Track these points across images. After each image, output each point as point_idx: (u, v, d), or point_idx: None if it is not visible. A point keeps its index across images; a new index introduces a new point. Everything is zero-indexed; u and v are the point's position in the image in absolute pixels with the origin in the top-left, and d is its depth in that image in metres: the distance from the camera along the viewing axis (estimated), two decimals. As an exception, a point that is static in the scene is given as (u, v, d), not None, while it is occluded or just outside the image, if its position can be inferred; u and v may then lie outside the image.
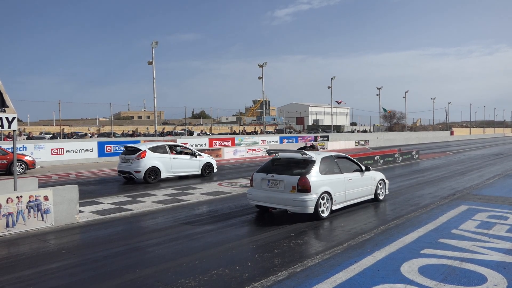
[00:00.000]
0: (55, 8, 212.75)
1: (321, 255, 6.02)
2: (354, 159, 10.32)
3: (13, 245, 6.79)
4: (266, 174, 8.84)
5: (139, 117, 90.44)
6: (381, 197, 10.69)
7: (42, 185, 12.46)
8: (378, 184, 10.58)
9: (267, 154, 9.78)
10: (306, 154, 8.93)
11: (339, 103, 54.65)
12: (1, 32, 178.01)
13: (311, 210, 8.23)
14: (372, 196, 10.45)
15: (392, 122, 78.73)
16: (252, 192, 9.03)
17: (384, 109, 66.86)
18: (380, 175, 10.79)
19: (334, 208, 8.87)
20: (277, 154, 9.58)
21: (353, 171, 9.71)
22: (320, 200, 8.38)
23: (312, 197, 8.19)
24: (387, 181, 11.11)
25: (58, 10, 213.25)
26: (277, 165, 9.17)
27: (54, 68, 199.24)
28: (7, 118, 7.85)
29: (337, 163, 9.35)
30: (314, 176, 8.40)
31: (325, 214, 8.52)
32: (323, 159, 8.96)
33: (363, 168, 10.05)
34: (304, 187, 8.15)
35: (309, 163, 8.67)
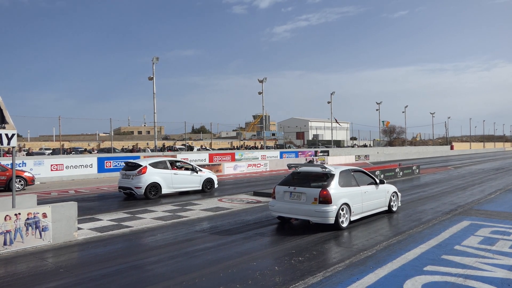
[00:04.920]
0: (55, 24, 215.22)
1: (322, 273, 5.93)
2: (369, 173, 10.62)
3: (10, 264, 6.69)
4: (288, 187, 9.25)
5: (139, 132, 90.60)
6: (394, 209, 11.07)
7: (41, 201, 12.39)
8: (391, 197, 10.97)
9: (287, 168, 10.28)
10: (325, 168, 9.35)
11: (337, 122, 54.49)
12: (1, 48, 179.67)
13: (332, 220, 8.59)
14: (386, 208, 10.81)
15: (392, 136, 78.83)
16: (274, 204, 9.41)
17: (383, 122, 67.02)
18: (393, 188, 11.18)
19: (352, 219, 9.23)
20: (297, 168, 9.96)
21: (368, 184, 10.09)
22: (340, 211, 8.77)
23: (332, 209, 8.57)
24: (399, 194, 11.52)
25: (58, 26, 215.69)
26: (297, 178, 9.54)
27: (55, 84, 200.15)
28: (6, 135, 7.84)
29: (354, 176, 9.76)
30: (334, 188, 8.80)
31: (344, 225, 8.91)
32: (341, 172, 9.36)
33: (378, 181, 10.44)
34: (326, 199, 8.55)
35: (329, 176, 9.09)
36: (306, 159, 38.86)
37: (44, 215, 7.78)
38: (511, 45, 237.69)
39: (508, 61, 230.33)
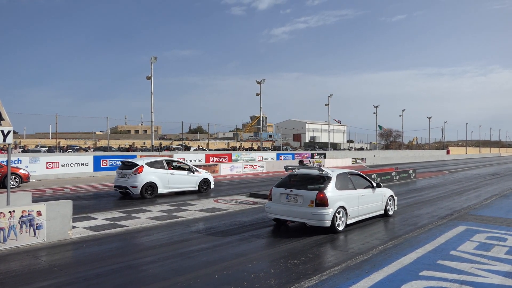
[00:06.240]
0: (53, 22, 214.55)
1: (318, 276, 5.91)
2: (366, 176, 10.63)
3: (3, 262, 6.63)
4: (284, 189, 9.23)
5: (136, 132, 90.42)
6: (390, 213, 11.07)
7: (35, 199, 12.31)
8: (388, 200, 10.96)
9: (284, 170, 10.26)
10: (322, 171, 9.34)
11: (338, 122, 54.88)
12: None
13: (328, 223, 8.58)
14: (382, 212, 10.80)
15: (389, 140, 79.00)
16: (271, 206, 9.38)
17: (380, 127, 67.20)
18: (389, 192, 11.18)
19: (348, 222, 9.22)
20: (294, 170, 9.95)
21: (365, 187, 10.09)
22: (336, 214, 8.75)
23: (329, 211, 8.56)
24: (395, 198, 11.50)
25: (56, 24, 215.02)
26: (294, 180, 9.52)
27: (52, 82, 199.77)
28: (2, 132, 7.78)
29: (351, 180, 9.76)
30: (331, 191, 8.77)
31: (340, 228, 8.89)
32: (338, 175, 9.34)
33: (374, 184, 10.44)
34: (322, 202, 8.52)
35: (326, 179, 9.06)
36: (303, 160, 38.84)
37: (39, 213, 7.72)
38: (507, 50, 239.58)
39: (504, 67, 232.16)
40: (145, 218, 10.61)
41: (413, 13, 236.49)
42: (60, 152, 29.68)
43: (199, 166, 21.13)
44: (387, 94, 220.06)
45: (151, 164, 14.90)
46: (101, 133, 67.15)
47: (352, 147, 71.30)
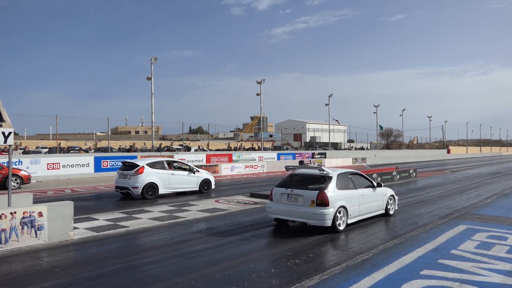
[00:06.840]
0: (54, 23, 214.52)
1: (319, 275, 5.92)
2: (366, 176, 10.65)
3: (5, 263, 6.64)
4: (285, 189, 9.25)
5: (137, 132, 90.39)
6: (391, 212, 11.08)
7: (37, 200, 12.33)
8: (388, 200, 10.98)
9: (285, 170, 10.26)
10: (323, 171, 9.36)
11: (337, 121, 55.04)
12: None
13: (329, 223, 8.60)
14: (383, 211, 10.81)
15: (389, 139, 78.97)
16: (272, 206, 9.41)
17: (381, 126, 67.24)
18: (390, 191, 11.19)
19: (349, 221, 9.25)
20: (294, 170, 9.98)
21: (365, 187, 10.11)
22: (337, 214, 8.78)
23: (330, 211, 8.58)
24: (396, 197, 11.51)
25: (56, 25, 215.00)
26: (295, 180, 9.55)
27: (52, 83, 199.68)
28: (3, 133, 7.80)
29: (352, 179, 9.78)
30: (331, 191, 8.80)
31: (341, 227, 8.91)
32: (339, 175, 9.36)
33: (375, 184, 10.45)
34: (323, 202, 8.56)
35: (327, 179, 9.08)
36: (304, 160, 38.83)
37: (40, 214, 7.73)
38: (508, 49, 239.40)
39: (504, 66, 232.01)
40: (146, 218, 10.62)
41: (413, 12, 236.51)
42: (60, 153, 29.69)
43: (200, 167, 21.15)
44: (387, 94, 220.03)
45: (152, 165, 14.92)
46: (101, 134, 67.13)
47: (352, 146, 71.28)
